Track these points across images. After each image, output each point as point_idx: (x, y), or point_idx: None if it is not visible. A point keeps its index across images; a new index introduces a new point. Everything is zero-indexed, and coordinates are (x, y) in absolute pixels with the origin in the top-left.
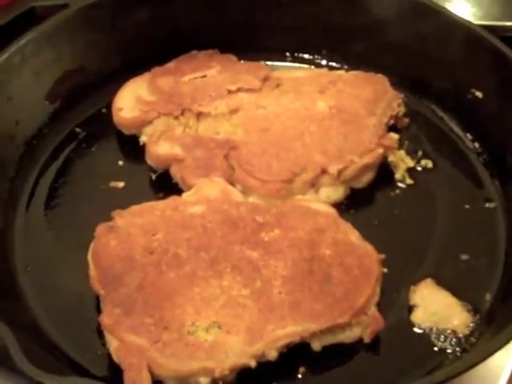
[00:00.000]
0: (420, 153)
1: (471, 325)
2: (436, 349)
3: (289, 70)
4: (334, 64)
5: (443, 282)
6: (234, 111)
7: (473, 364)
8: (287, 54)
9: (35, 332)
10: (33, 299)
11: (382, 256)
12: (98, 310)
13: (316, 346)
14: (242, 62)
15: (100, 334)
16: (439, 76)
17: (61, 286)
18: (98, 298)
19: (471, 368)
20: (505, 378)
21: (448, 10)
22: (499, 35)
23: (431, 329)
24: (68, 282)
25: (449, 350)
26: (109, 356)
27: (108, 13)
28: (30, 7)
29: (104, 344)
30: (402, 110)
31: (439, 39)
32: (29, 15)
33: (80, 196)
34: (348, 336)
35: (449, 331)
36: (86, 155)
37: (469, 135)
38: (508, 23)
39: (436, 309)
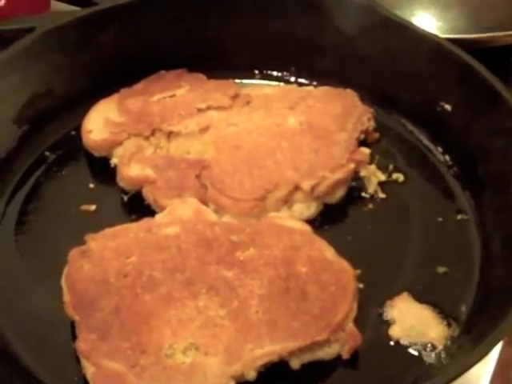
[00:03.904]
0: (391, 167)
1: (449, 337)
2: (415, 362)
3: (258, 87)
4: (302, 80)
5: (419, 296)
6: (204, 129)
7: (453, 376)
8: (256, 71)
9: (9, 360)
10: (5, 327)
11: (358, 271)
12: (74, 336)
13: (295, 364)
14: (211, 80)
15: (76, 359)
16: (408, 90)
17: (34, 312)
18: (72, 324)
19: (452, 380)
20: None
21: (415, 25)
22: (465, 48)
23: (409, 342)
24: (42, 309)
25: (428, 363)
26: (86, 382)
27: (74, 35)
28: None
29: (80, 370)
30: (372, 124)
31: (407, 53)
32: None
33: (51, 221)
34: (326, 353)
35: (427, 344)
36: (56, 179)
37: (439, 148)
38: (473, 36)
39: (413, 322)
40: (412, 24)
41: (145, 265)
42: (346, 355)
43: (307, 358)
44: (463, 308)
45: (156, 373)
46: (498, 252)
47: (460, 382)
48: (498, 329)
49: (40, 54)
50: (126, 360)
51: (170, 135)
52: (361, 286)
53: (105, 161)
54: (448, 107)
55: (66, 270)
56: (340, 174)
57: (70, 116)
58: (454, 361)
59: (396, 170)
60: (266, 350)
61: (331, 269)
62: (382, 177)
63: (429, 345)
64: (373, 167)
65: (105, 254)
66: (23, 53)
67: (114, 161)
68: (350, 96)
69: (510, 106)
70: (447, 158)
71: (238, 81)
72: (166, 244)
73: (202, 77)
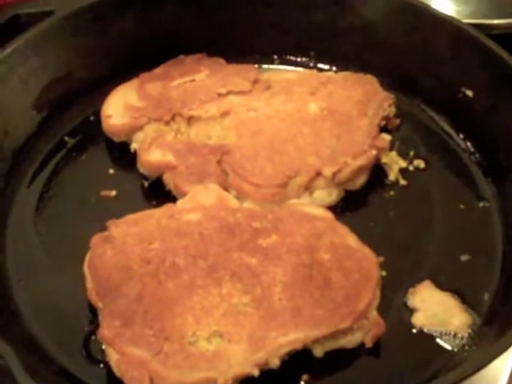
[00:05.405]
0: (412, 153)
1: (472, 326)
2: (438, 350)
3: (278, 72)
4: (322, 66)
5: (442, 283)
6: (225, 114)
7: (479, 367)
8: (275, 56)
9: (33, 347)
10: (28, 314)
11: (381, 259)
12: (96, 323)
13: (318, 352)
14: (230, 65)
15: (99, 346)
16: (429, 75)
17: (56, 299)
18: (95, 311)
19: (477, 371)
20: (505, 378)
21: (434, 9)
22: (486, 33)
23: (432, 330)
24: (63, 295)
25: (451, 352)
26: (109, 369)
27: (94, 19)
28: (15, 15)
29: (104, 357)
30: (393, 110)
31: (428, 38)
32: (13, 23)
33: (71, 206)
34: (350, 341)
35: (450, 332)
36: (75, 164)
37: (460, 134)
38: (495, 21)
39: (436, 311)
40: (432, 8)
41: (167, 251)
42: (369, 343)
43: (330, 345)
44: (486, 296)
45: (180, 360)
46: None
47: (481, 373)
48: None
49: (59, 38)
50: (150, 347)
51: (190, 120)
52: (383, 273)
53: (125, 146)
54: (469, 93)
55: (88, 256)
56: (362, 161)
57: (89, 101)
58: (476, 352)
59: (417, 156)
60: (290, 338)
61: (354, 256)
62: (403, 163)
63: (452, 333)
64: (393, 154)
65: (127, 240)
66: (42, 37)
67: (134, 146)
68: (370, 81)
69: None
70: (469, 144)
71: (256, 66)
72: (189, 230)
73: (222, 61)
